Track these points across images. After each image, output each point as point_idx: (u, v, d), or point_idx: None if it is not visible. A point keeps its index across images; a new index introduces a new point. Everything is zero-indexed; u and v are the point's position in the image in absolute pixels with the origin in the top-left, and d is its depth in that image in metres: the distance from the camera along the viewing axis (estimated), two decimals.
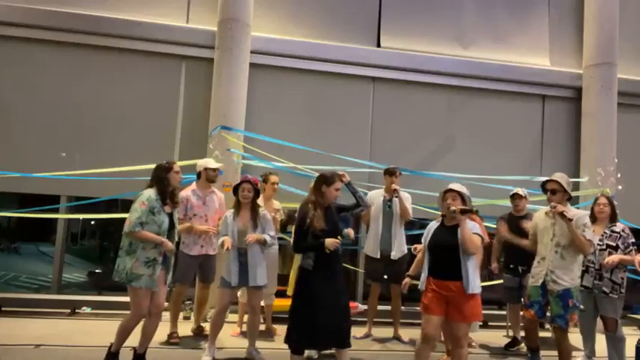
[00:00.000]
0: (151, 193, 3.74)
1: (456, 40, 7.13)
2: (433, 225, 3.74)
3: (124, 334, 3.72)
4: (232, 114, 6.03)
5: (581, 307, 3.97)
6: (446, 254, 3.50)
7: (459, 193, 3.58)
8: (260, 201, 5.01)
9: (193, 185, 4.93)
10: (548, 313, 4.09)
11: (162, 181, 3.78)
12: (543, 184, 4.11)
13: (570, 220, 3.77)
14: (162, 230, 3.72)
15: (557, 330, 3.97)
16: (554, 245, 3.95)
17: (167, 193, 3.80)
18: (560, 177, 4.01)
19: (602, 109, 6.89)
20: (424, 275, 3.62)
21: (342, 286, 3.63)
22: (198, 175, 4.94)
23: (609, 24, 7.00)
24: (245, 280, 4.22)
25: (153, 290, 3.68)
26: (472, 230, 3.49)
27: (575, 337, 4.92)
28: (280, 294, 5.38)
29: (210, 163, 4.96)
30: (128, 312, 3.75)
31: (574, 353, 4.85)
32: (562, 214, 3.78)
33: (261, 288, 4.35)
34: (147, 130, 6.26)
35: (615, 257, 4.21)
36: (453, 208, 3.49)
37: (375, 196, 5.27)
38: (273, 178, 5.19)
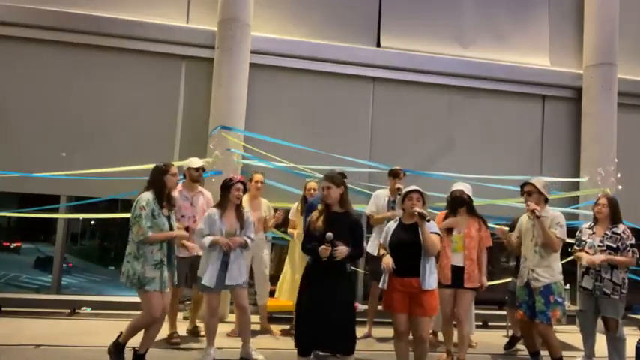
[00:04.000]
0: (148, 196, 3.75)
1: (456, 40, 7.13)
2: (392, 225, 3.89)
3: (134, 330, 3.76)
4: (232, 114, 6.03)
5: (565, 303, 4.14)
6: (407, 252, 3.67)
7: (422, 195, 3.78)
8: (245, 200, 4.99)
9: (180, 186, 4.86)
10: None
11: (159, 183, 3.79)
12: (522, 187, 4.35)
13: (538, 217, 4.02)
14: (163, 231, 3.76)
15: (539, 325, 4.09)
16: (533, 245, 4.18)
17: (164, 196, 3.81)
18: (536, 180, 4.29)
19: (602, 109, 6.89)
20: (385, 274, 3.74)
21: (341, 288, 3.52)
22: (184, 175, 4.93)
23: (609, 24, 7.00)
24: (223, 280, 4.14)
25: (164, 291, 3.72)
26: (430, 230, 3.69)
27: (575, 337, 4.93)
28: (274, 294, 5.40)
29: (193, 163, 4.90)
30: (127, 312, 3.76)
31: (574, 353, 4.88)
32: (532, 212, 4.05)
33: (244, 286, 4.31)
34: (147, 130, 6.26)
35: (598, 257, 4.24)
36: (415, 210, 3.65)
37: (380, 197, 5.29)
38: (257, 177, 5.15)
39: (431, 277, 3.68)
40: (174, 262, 3.92)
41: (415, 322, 3.70)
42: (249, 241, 4.23)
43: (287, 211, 5.43)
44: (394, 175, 5.21)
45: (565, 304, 4.11)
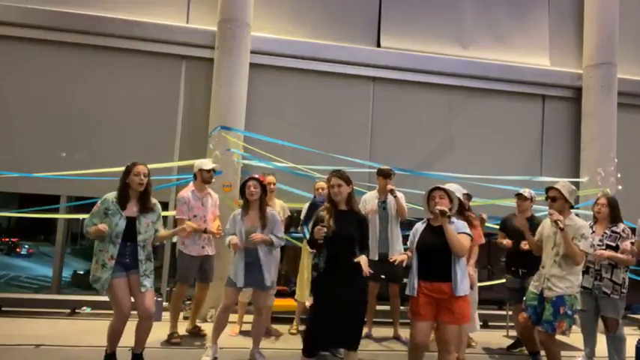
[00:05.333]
0: (109, 194, 3.72)
1: (456, 40, 7.13)
2: (419, 226, 3.66)
3: (113, 335, 3.73)
4: (232, 114, 6.03)
5: (575, 316, 3.93)
6: (436, 255, 3.44)
7: (447, 192, 3.54)
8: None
9: (191, 186, 4.92)
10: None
11: (121, 182, 3.74)
12: (546, 191, 4.13)
13: (562, 229, 3.78)
14: (114, 232, 3.60)
15: (542, 334, 3.96)
16: (554, 254, 3.97)
17: (126, 196, 3.69)
18: (562, 185, 4.03)
19: (602, 109, 6.89)
20: (413, 279, 3.52)
21: (355, 286, 3.50)
22: (195, 176, 4.94)
23: (609, 24, 7.00)
24: (253, 281, 4.16)
25: (101, 293, 3.67)
26: (459, 230, 3.46)
27: (575, 337, 4.92)
28: (280, 294, 5.39)
29: (205, 164, 4.92)
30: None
31: (574, 353, 4.88)
32: (555, 222, 3.80)
33: (269, 290, 4.33)
34: (147, 130, 6.26)
35: (606, 252, 4.22)
36: (437, 207, 3.44)
37: (370, 199, 5.25)
38: (269, 179, 5.16)
39: (463, 282, 3.42)
40: (144, 267, 3.73)
41: (441, 329, 3.43)
42: (274, 239, 4.20)
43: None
44: (385, 175, 5.14)
45: (574, 317, 3.92)
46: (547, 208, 4.08)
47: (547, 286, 3.93)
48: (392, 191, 5.05)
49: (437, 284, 3.41)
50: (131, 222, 3.66)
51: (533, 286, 4.12)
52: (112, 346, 3.75)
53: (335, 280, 3.47)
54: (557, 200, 3.96)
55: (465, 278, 3.47)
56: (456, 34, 7.14)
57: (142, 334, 3.80)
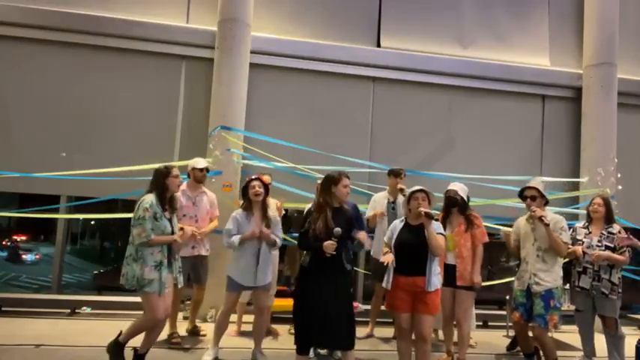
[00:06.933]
0: (152, 198, 3.73)
1: (456, 40, 7.13)
2: (397, 224, 3.87)
3: (135, 331, 3.75)
4: (232, 114, 6.03)
5: (562, 307, 4.12)
6: (411, 253, 3.67)
7: (427, 194, 3.74)
8: None
9: (183, 185, 4.87)
10: None
11: (161, 186, 3.78)
12: (521, 192, 4.29)
13: (547, 224, 3.98)
14: (165, 234, 3.74)
15: (535, 329, 4.10)
16: (535, 249, 4.15)
17: (166, 198, 3.80)
18: (536, 183, 4.23)
19: (602, 109, 6.89)
20: (389, 274, 3.71)
21: (342, 286, 3.57)
22: (188, 175, 4.93)
23: (609, 24, 7.00)
24: (254, 280, 4.16)
25: (162, 293, 3.67)
26: (436, 231, 3.69)
27: (574, 337, 4.93)
28: (280, 294, 5.39)
29: (197, 163, 4.90)
30: (127, 312, 3.76)
31: (573, 353, 4.88)
32: (540, 219, 4.00)
33: (269, 288, 4.34)
34: (147, 130, 6.26)
35: (604, 253, 4.26)
36: (421, 209, 3.63)
37: (379, 199, 5.24)
38: (265, 179, 5.14)
39: (435, 278, 3.67)
40: (177, 264, 3.90)
41: (417, 320, 3.67)
42: (277, 240, 4.22)
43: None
44: (396, 174, 5.15)
45: (561, 309, 4.13)
46: (553, 207, 4.15)
47: (534, 281, 4.10)
48: (402, 190, 5.04)
49: (412, 278, 3.65)
50: (169, 223, 3.81)
51: (518, 285, 4.28)
52: (128, 338, 3.75)
53: (320, 277, 3.51)
54: (536, 199, 4.16)
55: (437, 274, 3.73)
56: (456, 34, 7.14)
57: (154, 334, 3.81)
